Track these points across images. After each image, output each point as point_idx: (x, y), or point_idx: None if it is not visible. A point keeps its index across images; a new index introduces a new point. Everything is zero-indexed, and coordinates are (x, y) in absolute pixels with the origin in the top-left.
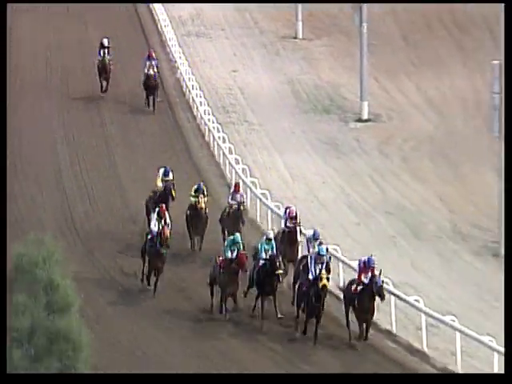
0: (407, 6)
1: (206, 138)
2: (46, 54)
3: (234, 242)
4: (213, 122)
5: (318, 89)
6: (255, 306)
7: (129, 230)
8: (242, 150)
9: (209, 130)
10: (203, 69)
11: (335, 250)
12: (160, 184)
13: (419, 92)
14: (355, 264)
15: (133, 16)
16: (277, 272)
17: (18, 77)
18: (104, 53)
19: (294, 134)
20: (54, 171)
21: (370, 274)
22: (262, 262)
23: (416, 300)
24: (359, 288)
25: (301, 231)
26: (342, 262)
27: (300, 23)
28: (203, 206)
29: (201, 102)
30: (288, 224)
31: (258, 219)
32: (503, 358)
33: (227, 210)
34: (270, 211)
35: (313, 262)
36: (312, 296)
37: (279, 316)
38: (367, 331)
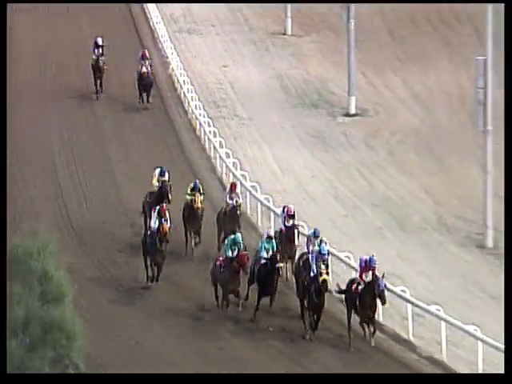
0: (395, 5)
1: (197, 133)
2: (46, 54)
3: (235, 242)
4: (204, 117)
5: (307, 84)
6: (257, 309)
7: (122, 224)
8: (233, 143)
9: (200, 125)
10: (194, 64)
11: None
12: (156, 183)
13: (405, 87)
14: (343, 255)
15: (126, 16)
16: (277, 265)
17: (19, 77)
18: (98, 52)
19: (284, 128)
20: (50, 171)
21: (370, 274)
22: (263, 261)
23: (402, 290)
24: (360, 287)
25: (299, 232)
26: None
27: (289, 20)
28: (200, 205)
29: (192, 97)
30: (286, 223)
31: (249, 211)
32: (487, 347)
33: (224, 210)
34: (259, 204)
35: (314, 259)
36: (313, 292)
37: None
38: (374, 332)
